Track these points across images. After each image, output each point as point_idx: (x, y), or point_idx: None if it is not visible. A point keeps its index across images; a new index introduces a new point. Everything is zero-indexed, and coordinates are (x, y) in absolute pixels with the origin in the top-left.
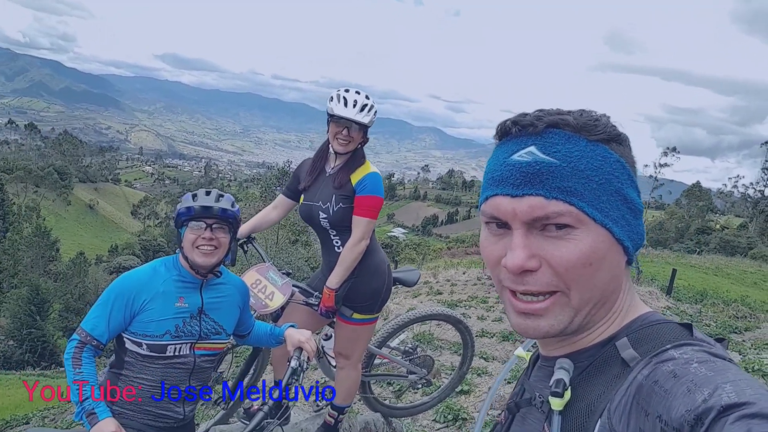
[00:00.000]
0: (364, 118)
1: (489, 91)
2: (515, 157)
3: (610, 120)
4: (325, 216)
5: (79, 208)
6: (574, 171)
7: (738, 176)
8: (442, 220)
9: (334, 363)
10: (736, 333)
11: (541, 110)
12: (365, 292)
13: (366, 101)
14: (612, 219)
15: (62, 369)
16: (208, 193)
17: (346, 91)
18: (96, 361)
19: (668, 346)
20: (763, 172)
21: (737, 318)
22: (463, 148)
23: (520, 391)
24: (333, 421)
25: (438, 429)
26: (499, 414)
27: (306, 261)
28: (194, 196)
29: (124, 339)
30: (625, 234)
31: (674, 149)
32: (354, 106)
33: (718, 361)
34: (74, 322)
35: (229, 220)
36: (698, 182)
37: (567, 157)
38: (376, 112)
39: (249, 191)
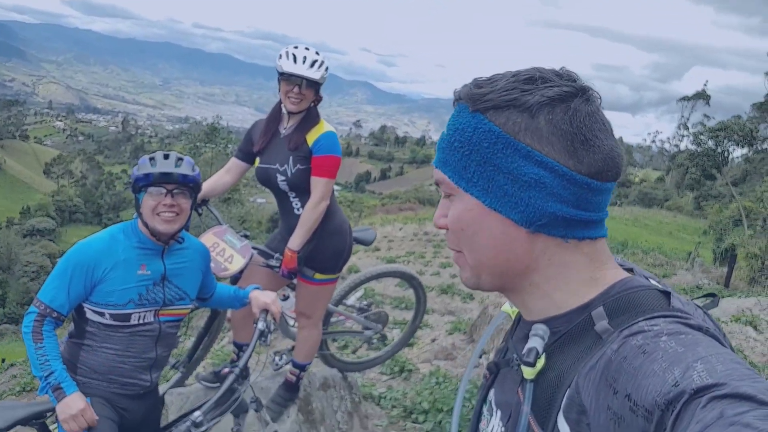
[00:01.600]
0: (314, 74)
1: (422, 46)
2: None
3: (520, 85)
4: (283, 179)
5: None
6: (450, 142)
7: (657, 131)
8: (375, 177)
9: (291, 323)
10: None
11: (476, 79)
12: (327, 253)
13: (316, 57)
14: (480, 188)
15: None
16: (166, 157)
17: (295, 47)
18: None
19: (640, 318)
20: (679, 127)
21: (655, 266)
22: (395, 103)
23: (504, 348)
24: (294, 378)
25: (385, 380)
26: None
27: (239, 221)
28: (152, 160)
29: (85, 309)
30: (504, 205)
31: None
32: (304, 62)
33: (690, 333)
34: None
35: (190, 185)
36: (620, 138)
37: (450, 129)
38: (327, 68)
39: (172, 147)
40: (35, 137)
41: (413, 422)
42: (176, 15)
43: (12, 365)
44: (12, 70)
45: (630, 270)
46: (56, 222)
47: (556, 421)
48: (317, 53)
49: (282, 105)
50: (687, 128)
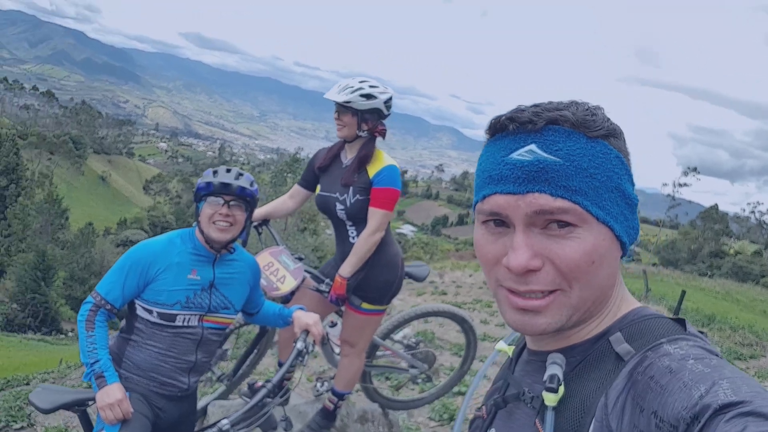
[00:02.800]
0: (338, 96)
1: (511, 95)
2: (515, 156)
3: (604, 112)
4: (342, 208)
5: (92, 178)
6: (578, 169)
7: (758, 202)
8: (453, 221)
9: (337, 350)
10: (740, 360)
11: (536, 105)
12: (377, 284)
13: (350, 83)
14: (613, 216)
15: (62, 336)
16: (228, 170)
17: (349, 79)
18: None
19: (663, 341)
20: None
21: (743, 345)
22: (479, 150)
23: (504, 386)
24: (332, 406)
25: (432, 426)
26: (479, 409)
27: (313, 250)
28: (215, 172)
29: (136, 305)
30: (623, 229)
31: (695, 169)
32: (339, 88)
33: (714, 357)
34: (78, 291)
35: (247, 199)
36: (716, 205)
37: (569, 156)
38: (363, 94)
39: (260, 176)
40: (140, 155)
41: None
42: (279, 53)
43: None
44: (127, 93)
45: None
46: (148, 235)
47: None
48: (361, 81)
49: None
50: None
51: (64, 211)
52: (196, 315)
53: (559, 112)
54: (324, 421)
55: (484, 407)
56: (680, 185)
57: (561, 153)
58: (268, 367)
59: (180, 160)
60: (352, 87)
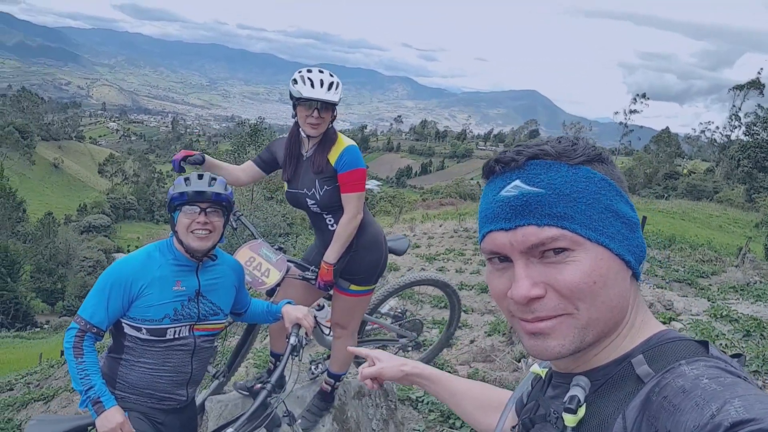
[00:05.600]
0: (333, 96)
1: (461, 39)
2: (503, 193)
3: (588, 142)
4: (313, 202)
5: (44, 167)
6: (560, 196)
7: (708, 122)
8: (416, 171)
9: (327, 332)
10: (703, 277)
11: (519, 145)
12: (363, 265)
13: (331, 79)
14: (607, 235)
15: (38, 329)
16: (200, 177)
17: (309, 71)
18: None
19: (681, 362)
20: (731, 118)
21: (704, 262)
22: (435, 97)
23: (535, 406)
24: (330, 388)
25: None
26: (513, 428)
27: (283, 217)
28: (186, 180)
29: (123, 324)
30: (624, 248)
31: (644, 95)
32: (321, 85)
33: (729, 376)
34: (47, 282)
35: (223, 204)
36: (667, 128)
37: (551, 185)
38: (342, 87)
39: (219, 146)
40: (90, 138)
41: (450, 427)
42: (221, 17)
43: None
44: (67, 74)
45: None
46: (111, 219)
47: None
48: (331, 75)
49: (300, 129)
50: (739, 118)
51: (19, 204)
52: (186, 326)
53: (539, 147)
54: (323, 403)
55: (515, 427)
56: (631, 112)
57: (542, 183)
58: (265, 347)
59: (133, 138)
60: (335, 82)
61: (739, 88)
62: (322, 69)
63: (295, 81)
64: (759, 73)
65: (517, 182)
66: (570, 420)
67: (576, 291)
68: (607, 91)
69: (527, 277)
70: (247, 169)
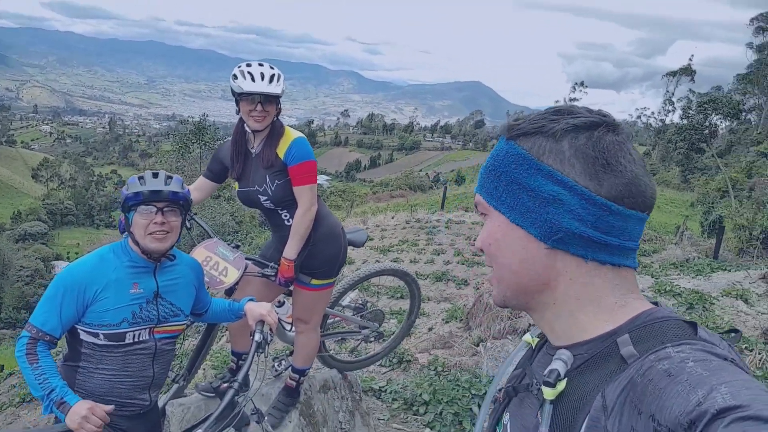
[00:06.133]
0: (276, 89)
1: (406, 32)
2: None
3: (549, 116)
4: (266, 198)
5: None
6: (487, 168)
7: (644, 108)
8: (365, 165)
9: (288, 328)
10: (645, 256)
11: (516, 115)
12: (323, 259)
13: (272, 71)
14: (507, 206)
15: None
16: (155, 176)
17: (248, 65)
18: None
19: (667, 344)
20: (665, 103)
21: (645, 241)
22: (381, 91)
23: (521, 374)
24: (295, 383)
25: (384, 372)
26: (499, 391)
27: (231, 215)
28: (141, 179)
29: (79, 331)
30: (525, 221)
31: (582, 84)
32: (262, 78)
33: (715, 359)
34: None
35: (180, 203)
36: None
37: (490, 158)
38: (284, 79)
39: (161, 146)
40: (22, 142)
41: (414, 414)
42: (158, 13)
43: (11, 374)
44: None
45: (655, 304)
46: (48, 225)
47: None
48: (272, 67)
49: (245, 125)
50: (672, 103)
51: None
52: (146, 329)
53: (514, 121)
54: (289, 399)
55: (502, 392)
56: (571, 100)
57: (489, 156)
58: (222, 348)
59: (68, 140)
60: (275, 74)
61: (672, 74)
62: (262, 62)
63: (235, 76)
64: (690, 59)
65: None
66: (548, 393)
67: (483, 248)
68: (549, 80)
69: (480, 233)
70: (201, 186)
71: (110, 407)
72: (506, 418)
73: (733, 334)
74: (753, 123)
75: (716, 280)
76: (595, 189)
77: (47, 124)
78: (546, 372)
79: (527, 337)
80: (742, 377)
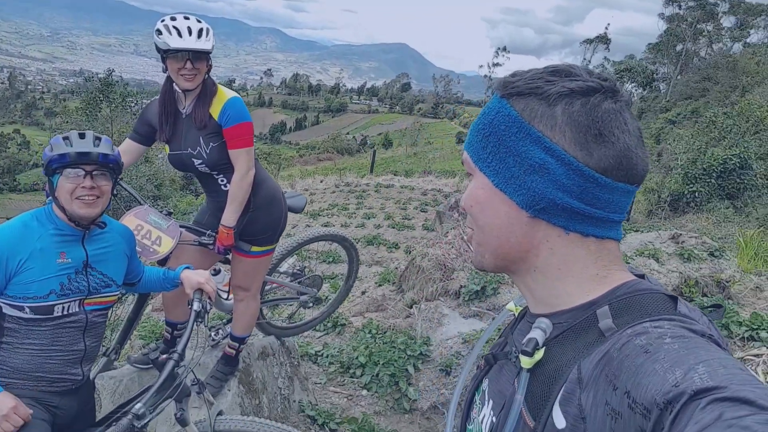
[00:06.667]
0: (206, 44)
1: None
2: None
3: (546, 76)
4: (200, 161)
5: None
6: (476, 125)
7: None
8: (291, 127)
9: (225, 296)
10: None
11: (514, 71)
12: (263, 225)
13: (201, 25)
14: (492, 169)
15: None
16: (82, 136)
17: (173, 19)
18: None
19: (645, 319)
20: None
21: None
22: (306, 50)
23: (503, 342)
24: (234, 352)
25: (320, 337)
26: (480, 359)
27: (148, 179)
28: (66, 140)
29: (1, 304)
30: (509, 187)
31: (504, 49)
32: (190, 33)
33: (693, 337)
34: None
35: (110, 166)
36: None
37: (480, 114)
38: (213, 34)
39: (68, 104)
40: None
41: (351, 377)
42: None
43: None
44: None
45: (641, 277)
46: None
47: (550, 413)
48: (199, 20)
49: (174, 84)
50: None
51: None
52: (75, 301)
53: (511, 76)
54: (227, 368)
55: (483, 358)
56: (494, 65)
57: (480, 113)
58: (149, 317)
59: None
60: (204, 28)
61: (589, 42)
62: (187, 15)
63: (159, 32)
64: (606, 28)
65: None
66: (526, 362)
67: (465, 209)
68: (473, 45)
69: (465, 193)
70: (128, 148)
71: (31, 411)
72: (485, 384)
73: (716, 310)
74: (662, 91)
75: (630, 241)
76: (584, 159)
77: None
78: (524, 340)
79: (510, 305)
80: (719, 355)
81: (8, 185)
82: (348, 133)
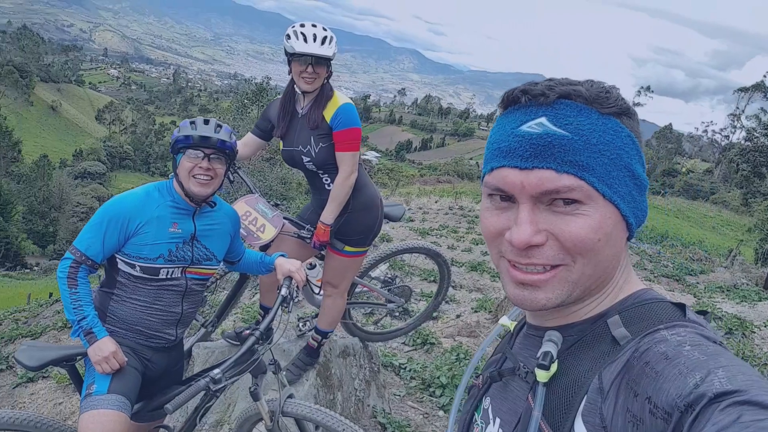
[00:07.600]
0: (327, 51)
1: (473, 16)
2: (524, 128)
3: (619, 94)
4: (308, 159)
5: (42, 108)
6: (587, 145)
7: (710, 122)
8: (416, 146)
9: (317, 291)
10: (691, 275)
11: (551, 80)
12: (358, 227)
13: (325, 33)
14: (620, 195)
15: (27, 270)
16: (206, 122)
17: (302, 26)
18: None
19: (660, 326)
20: (732, 118)
21: (693, 260)
22: (441, 73)
23: (501, 359)
24: (316, 344)
25: (407, 351)
26: (476, 378)
27: (280, 180)
28: (192, 124)
29: (117, 260)
30: (630, 210)
31: (648, 88)
32: (314, 40)
33: (711, 345)
34: (39, 225)
35: (227, 152)
36: (670, 124)
37: (579, 130)
38: (336, 42)
39: (221, 103)
40: (90, 83)
41: (430, 395)
42: None
43: (57, 301)
44: (71, 16)
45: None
46: (107, 167)
47: (573, 425)
48: (325, 29)
49: (295, 86)
50: (740, 120)
51: (15, 144)
52: (179, 267)
53: (573, 86)
54: (308, 358)
55: (480, 377)
56: (635, 105)
57: (570, 127)
58: (254, 303)
59: (133, 87)
60: (328, 36)
61: (744, 90)
62: (315, 23)
63: (288, 36)
64: (765, 76)
65: (543, 120)
66: (542, 376)
67: (580, 245)
68: (614, 81)
69: (531, 223)
70: (248, 141)
71: (126, 359)
72: (486, 402)
73: (704, 315)
74: None
75: (761, 309)
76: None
77: (115, 69)
78: (539, 354)
79: (504, 321)
80: (737, 362)
81: (160, 170)
82: (472, 159)
